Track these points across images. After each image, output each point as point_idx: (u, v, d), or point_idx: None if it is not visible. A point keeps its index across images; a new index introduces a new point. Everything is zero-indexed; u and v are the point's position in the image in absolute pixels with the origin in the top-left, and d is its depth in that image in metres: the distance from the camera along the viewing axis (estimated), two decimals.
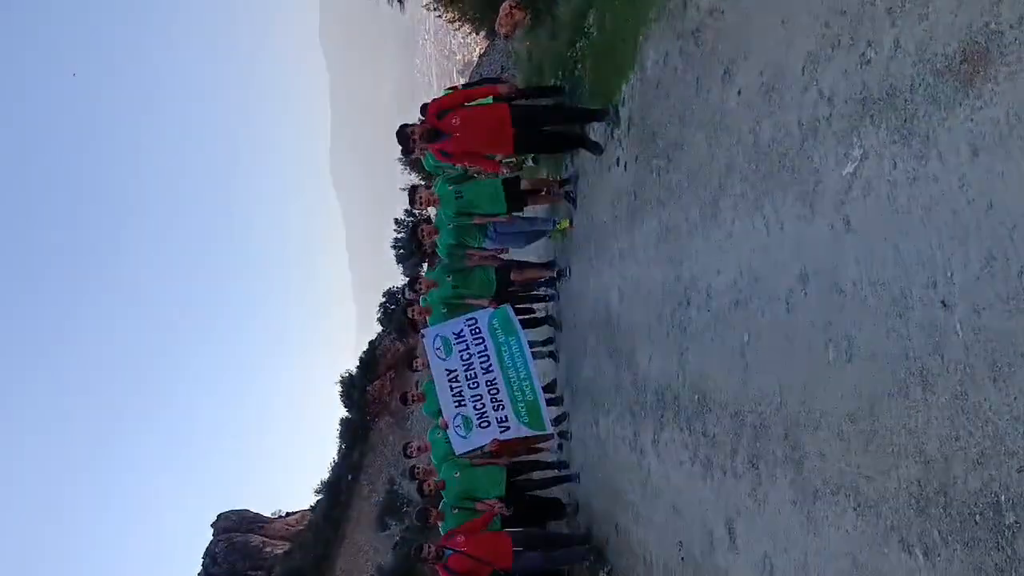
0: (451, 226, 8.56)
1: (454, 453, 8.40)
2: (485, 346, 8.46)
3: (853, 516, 3.16)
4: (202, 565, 44.48)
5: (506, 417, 8.19)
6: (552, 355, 10.07)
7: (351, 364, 30.60)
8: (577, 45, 8.65)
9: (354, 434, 29.45)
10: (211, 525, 46.74)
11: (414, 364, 9.79)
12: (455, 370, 8.41)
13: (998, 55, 2.36)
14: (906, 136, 2.80)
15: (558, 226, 8.97)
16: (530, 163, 11.04)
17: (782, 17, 3.81)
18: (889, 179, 2.90)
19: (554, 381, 9.92)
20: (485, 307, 8.78)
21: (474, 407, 8.26)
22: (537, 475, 9.65)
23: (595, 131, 7.56)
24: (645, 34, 6.17)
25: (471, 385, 8.36)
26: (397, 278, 28.39)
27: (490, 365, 8.40)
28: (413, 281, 10.05)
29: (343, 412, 30.33)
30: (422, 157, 8.57)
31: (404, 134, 7.57)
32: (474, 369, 8.41)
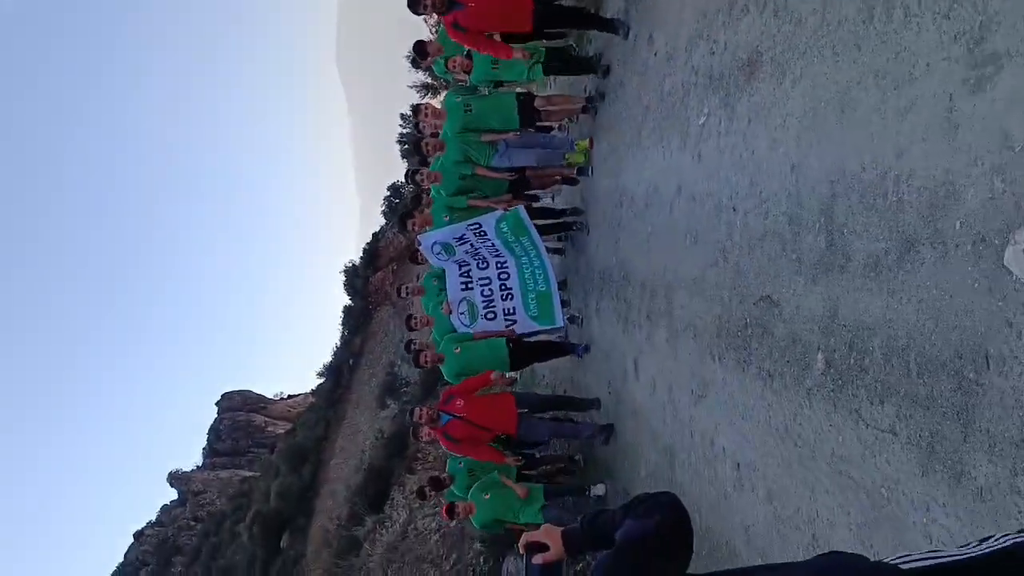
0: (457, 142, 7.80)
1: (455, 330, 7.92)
2: (492, 242, 7.67)
3: (692, 343, 5.00)
4: (206, 441, 46.68)
5: (513, 309, 7.64)
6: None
7: (354, 255, 31.98)
8: None
9: (356, 321, 30.69)
10: (215, 404, 48.55)
11: (417, 257, 8.81)
12: (462, 260, 7.78)
13: (759, 65, 4.05)
14: (726, 105, 4.50)
15: (578, 145, 8.26)
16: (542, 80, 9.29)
17: (683, 1, 5.43)
18: (718, 130, 4.61)
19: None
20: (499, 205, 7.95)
21: (481, 293, 7.67)
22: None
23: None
24: None
25: (480, 265, 7.70)
26: (402, 173, 29.45)
27: (499, 252, 7.71)
28: (414, 173, 8.71)
29: (346, 300, 32.01)
30: (432, 66, 8.64)
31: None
32: (482, 254, 7.72)
